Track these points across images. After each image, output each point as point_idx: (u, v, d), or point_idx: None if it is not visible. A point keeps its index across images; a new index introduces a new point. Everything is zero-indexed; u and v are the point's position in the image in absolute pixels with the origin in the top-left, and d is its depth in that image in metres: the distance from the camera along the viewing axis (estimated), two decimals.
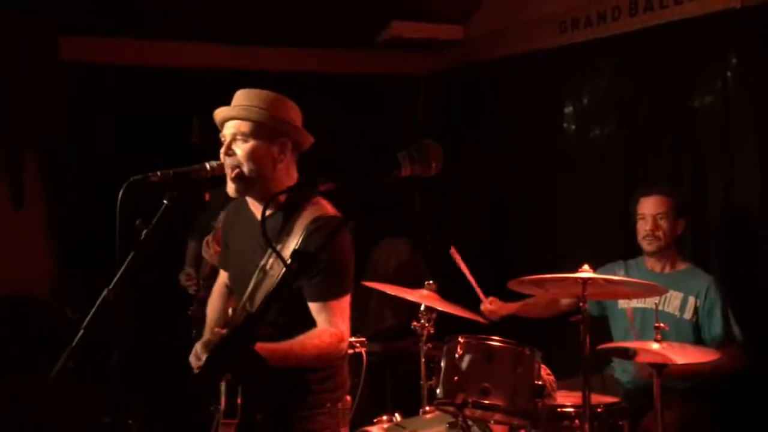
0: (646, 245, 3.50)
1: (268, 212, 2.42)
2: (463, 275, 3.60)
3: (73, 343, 2.06)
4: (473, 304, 3.63)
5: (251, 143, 2.34)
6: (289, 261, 2.30)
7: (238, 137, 2.35)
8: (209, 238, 3.62)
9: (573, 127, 4.60)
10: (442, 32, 5.11)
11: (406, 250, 4.94)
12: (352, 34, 5.04)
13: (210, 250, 3.53)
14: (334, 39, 5.09)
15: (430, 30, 5.07)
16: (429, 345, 3.33)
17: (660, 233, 3.47)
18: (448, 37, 5.15)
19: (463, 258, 5.02)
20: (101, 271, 3.71)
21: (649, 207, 3.50)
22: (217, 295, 2.72)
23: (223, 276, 2.73)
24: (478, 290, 3.64)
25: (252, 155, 2.34)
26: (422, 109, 5.67)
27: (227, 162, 2.36)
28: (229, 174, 2.36)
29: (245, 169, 2.35)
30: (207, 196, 4.14)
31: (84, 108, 4.57)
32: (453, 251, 3.52)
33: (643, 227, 3.49)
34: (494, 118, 5.01)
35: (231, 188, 2.40)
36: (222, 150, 2.37)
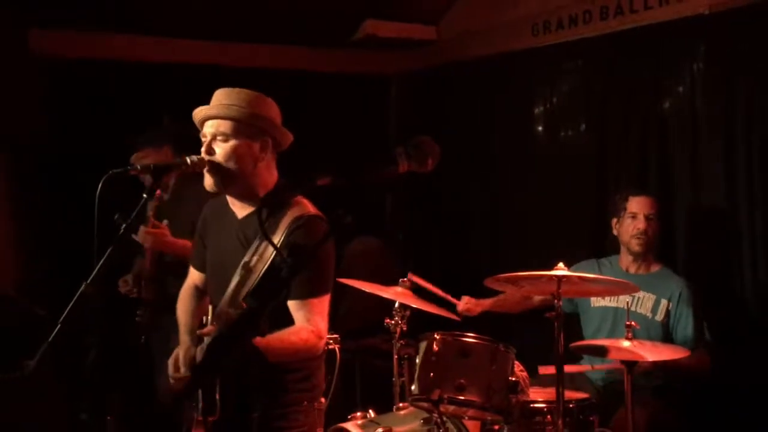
0: (635, 245, 3.53)
1: (249, 211, 2.44)
2: (430, 293, 3.58)
3: (50, 339, 2.03)
4: (446, 302, 3.66)
5: (232, 143, 2.34)
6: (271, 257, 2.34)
7: (219, 137, 2.35)
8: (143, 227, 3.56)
9: (543, 128, 4.66)
10: (415, 32, 5.14)
11: (378, 249, 4.95)
12: (326, 33, 5.04)
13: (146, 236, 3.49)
14: (307, 37, 5.08)
15: (404, 29, 5.09)
16: (402, 342, 3.35)
17: (651, 233, 3.52)
18: (421, 37, 5.17)
19: (433, 257, 5.07)
20: (70, 269, 3.68)
21: (641, 207, 3.53)
22: (188, 296, 2.68)
23: (192, 276, 2.70)
24: (448, 297, 3.65)
25: (233, 155, 2.34)
26: (393, 109, 5.69)
27: (206, 161, 2.34)
28: (207, 172, 2.35)
29: (224, 168, 2.34)
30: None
31: (53, 103, 4.50)
32: (411, 276, 3.50)
33: (636, 226, 3.52)
34: (465, 119, 5.04)
35: (209, 183, 2.38)
36: (203, 149, 2.36)
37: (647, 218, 3.52)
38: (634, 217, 3.54)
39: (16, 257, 4.47)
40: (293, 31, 4.96)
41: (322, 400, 2.56)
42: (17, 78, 4.24)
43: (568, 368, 3.04)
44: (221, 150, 2.34)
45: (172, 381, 2.39)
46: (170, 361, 2.41)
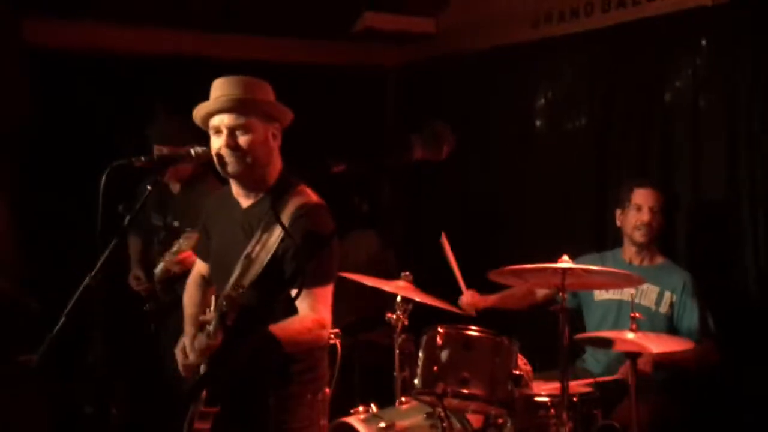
0: (639, 236, 3.52)
1: (253, 201, 2.45)
2: (446, 263, 3.56)
3: (54, 332, 2.00)
4: (446, 295, 3.63)
5: (252, 134, 2.35)
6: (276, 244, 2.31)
7: (238, 129, 2.34)
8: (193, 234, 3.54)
9: (544, 121, 4.64)
10: (414, 25, 5.12)
11: (376, 243, 4.94)
12: (324, 25, 5.01)
13: (191, 239, 3.48)
14: (305, 29, 5.06)
15: (403, 22, 5.07)
16: (403, 336, 3.33)
17: (655, 225, 3.52)
18: (420, 29, 5.15)
19: (432, 251, 5.03)
20: (65, 262, 3.64)
21: (646, 199, 3.53)
22: (194, 286, 2.70)
23: (199, 266, 2.71)
24: (461, 281, 3.62)
25: (255, 145, 2.35)
26: (391, 102, 5.66)
27: (228, 153, 2.33)
28: (231, 160, 2.34)
29: (250, 159, 2.34)
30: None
31: (47, 92, 4.46)
32: (443, 239, 3.51)
33: (640, 218, 3.52)
34: (464, 112, 5.01)
35: (233, 169, 2.36)
36: (222, 143, 2.34)
37: (651, 210, 3.51)
38: (638, 209, 3.53)
39: (10, 251, 4.42)
40: (291, 22, 4.93)
41: (327, 390, 2.56)
42: (10, 68, 4.19)
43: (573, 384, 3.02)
44: (244, 142, 2.34)
45: (181, 369, 2.39)
46: (178, 350, 2.42)
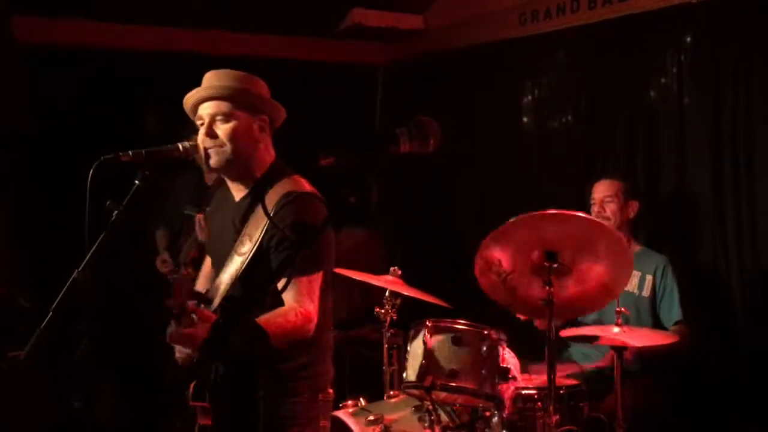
0: None
1: (243, 192, 2.43)
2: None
3: (42, 326, 2.01)
4: (436, 290, 3.64)
5: (233, 123, 2.34)
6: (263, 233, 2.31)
7: (219, 118, 2.34)
8: (201, 216, 3.65)
9: (530, 118, 4.67)
10: (402, 21, 5.14)
11: (366, 240, 4.95)
12: (313, 21, 5.03)
13: (204, 229, 3.58)
14: (293, 26, 5.07)
15: (391, 19, 5.09)
16: (392, 331, 3.35)
17: (607, 214, 3.60)
18: (408, 26, 5.17)
19: (420, 248, 5.06)
20: (54, 259, 3.65)
21: (597, 191, 3.66)
22: (205, 280, 2.62)
23: (209, 261, 2.67)
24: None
25: (235, 134, 2.33)
26: (380, 99, 5.68)
27: (208, 143, 2.33)
28: (211, 152, 2.33)
29: (228, 149, 2.33)
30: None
31: (39, 89, 4.46)
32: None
33: (594, 211, 3.64)
34: (452, 108, 5.03)
35: (213, 161, 2.35)
36: (203, 131, 2.34)
37: (602, 201, 3.63)
38: (593, 202, 3.66)
39: (4, 248, 4.42)
40: (280, 19, 4.93)
41: (330, 390, 2.45)
42: (1, 65, 4.19)
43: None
44: (223, 131, 2.34)
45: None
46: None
